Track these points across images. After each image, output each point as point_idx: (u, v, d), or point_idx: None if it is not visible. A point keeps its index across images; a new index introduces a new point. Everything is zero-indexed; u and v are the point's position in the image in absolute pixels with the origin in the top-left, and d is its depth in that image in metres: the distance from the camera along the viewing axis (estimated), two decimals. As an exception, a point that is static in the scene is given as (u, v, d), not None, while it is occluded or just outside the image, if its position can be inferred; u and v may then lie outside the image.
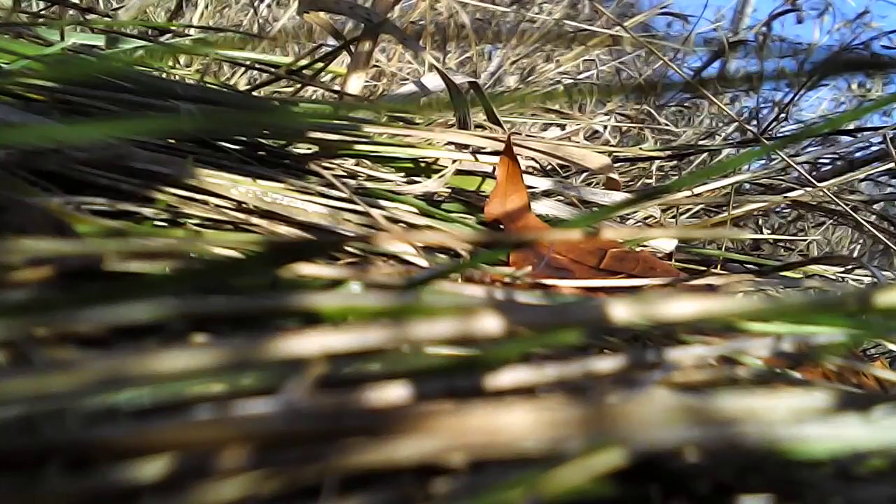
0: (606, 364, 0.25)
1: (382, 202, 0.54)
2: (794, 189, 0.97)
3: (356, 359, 0.23)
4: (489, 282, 0.44)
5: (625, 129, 1.73)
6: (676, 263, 0.67)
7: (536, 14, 2.04)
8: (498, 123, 0.74)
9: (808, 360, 0.32)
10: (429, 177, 0.62)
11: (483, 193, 0.65)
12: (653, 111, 1.63)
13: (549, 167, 0.82)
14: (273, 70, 0.93)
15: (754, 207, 0.94)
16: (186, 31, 1.09)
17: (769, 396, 0.22)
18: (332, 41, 0.87)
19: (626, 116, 1.64)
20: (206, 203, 0.44)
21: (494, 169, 0.64)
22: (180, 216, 0.42)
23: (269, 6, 1.89)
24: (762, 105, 1.82)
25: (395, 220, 0.53)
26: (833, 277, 0.82)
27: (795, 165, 0.84)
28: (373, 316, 0.26)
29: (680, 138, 1.74)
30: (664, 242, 0.68)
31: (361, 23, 0.78)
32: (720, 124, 2.02)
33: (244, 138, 0.56)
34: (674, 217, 0.94)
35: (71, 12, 0.92)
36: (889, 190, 1.36)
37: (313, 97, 1.24)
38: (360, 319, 0.26)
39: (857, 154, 1.19)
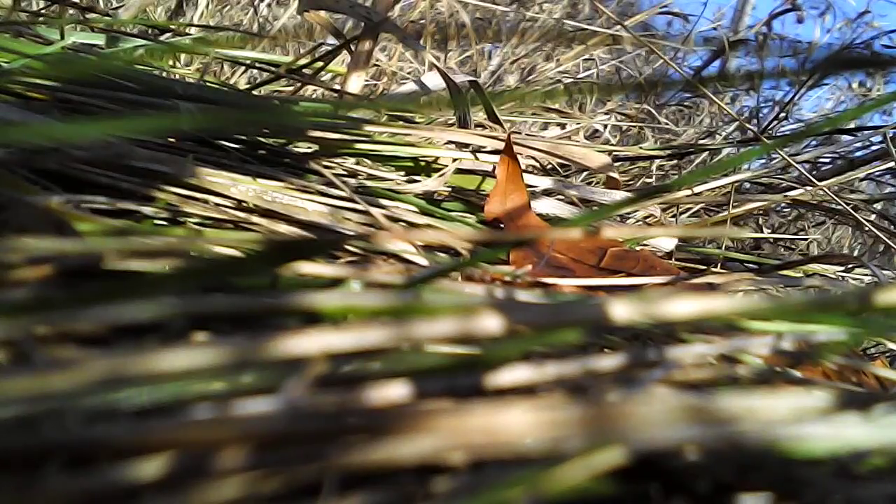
0: (607, 363, 0.25)
1: (383, 201, 0.54)
2: (794, 188, 0.97)
3: (356, 358, 0.23)
4: (489, 281, 0.44)
5: (625, 128, 1.73)
6: (676, 262, 0.67)
7: (537, 13, 2.04)
8: (498, 122, 0.74)
9: (809, 358, 0.32)
10: (429, 176, 0.62)
11: (483, 192, 0.65)
12: (653, 110, 1.63)
13: (550, 166, 0.82)
14: (273, 69, 0.93)
15: (754, 206, 0.94)
16: (186, 31, 1.09)
17: (769, 395, 0.22)
18: (332, 40, 0.87)
19: (627, 115, 1.64)
20: (206, 202, 0.44)
21: (494, 168, 0.64)
22: (180, 215, 0.42)
23: (269, 5, 1.88)
24: (762, 104, 1.82)
25: (396, 219, 0.53)
26: (833, 276, 0.82)
27: (796, 164, 0.84)
28: (373, 315, 0.26)
29: (680, 137, 1.74)
30: (664, 241, 0.68)
31: (362, 22, 0.78)
32: (720, 123, 2.01)
33: (244, 137, 0.56)
34: (674, 216, 0.94)
35: (71, 11, 0.92)
36: (889, 189, 1.36)
37: (313, 96, 1.24)
38: (360, 318, 0.26)
39: (858, 153, 1.19)
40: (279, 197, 0.46)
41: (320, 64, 0.91)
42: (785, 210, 1.40)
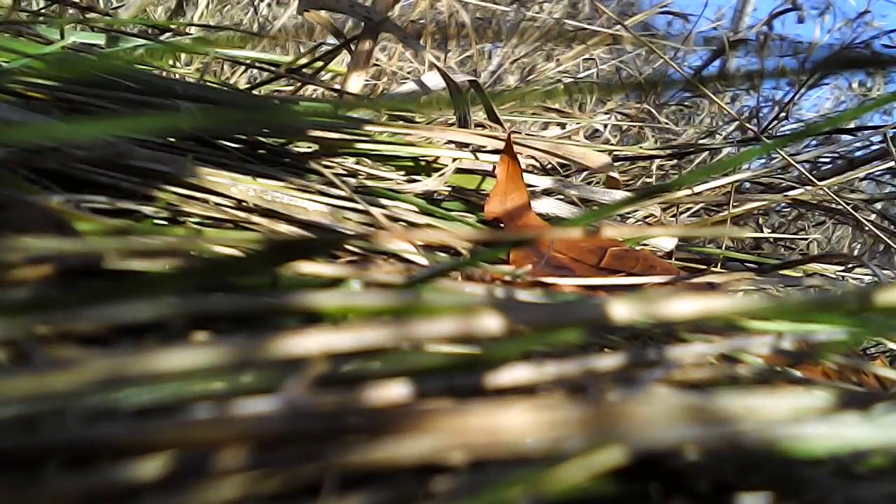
0: (607, 362, 0.25)
1: (383, 201, 0.54)
2: (794, 188, 0.97)
3: (356, 357, 0.23)
4: (489, 280, 0.44)
5: (625, 127, 1.73)
6: (677, 262, 0.67)
7: (537, 13, 2.04)
8: (498, 122, 0.74)
9: (809, 358, 0.32)
10: (429, 175, 0.62)
11: (483, 192, 0.65)
12: (653, 110, 1.62)
13: (550, 166, 0.82)
14: (273, 69, 0.93)
15: (754, 206, 0.94)
16: (186, 30, 1.09)
17: (769, 395, 0.22)
18: (332, 40, 0.87)
19: (627, 115, 1.64)
20: (206, 201, 0.44)
21: (494, 167, 0.64)
22: (180, 214, 0.42)
23: (269, 5, 1.89)
24: (762, 104, 1.82)
25: (396, 219, 0.53)
26: (833, 276, 0.82)
27: (796, 164, 0.84)
28: (373, 314, 0.26)
29: (680, 137, 1.74)
30: (664, 241, 0.68)
31: (362, 21, 0.78)
32: (720, 123, 2.02)
33: (244, 137, 0.56)
34: (674, 216, 0.94)
35: (71, 11, 0.92)
36: (889, 189, 1.36)
37: (313, 96, 1.24)
38: (360, 318, 0.26)
39: (858, 153, 1.19)
40: (279, 196, 0.46)
41: (320, 64, 0.91)
42: (785, 210, 1.40)
